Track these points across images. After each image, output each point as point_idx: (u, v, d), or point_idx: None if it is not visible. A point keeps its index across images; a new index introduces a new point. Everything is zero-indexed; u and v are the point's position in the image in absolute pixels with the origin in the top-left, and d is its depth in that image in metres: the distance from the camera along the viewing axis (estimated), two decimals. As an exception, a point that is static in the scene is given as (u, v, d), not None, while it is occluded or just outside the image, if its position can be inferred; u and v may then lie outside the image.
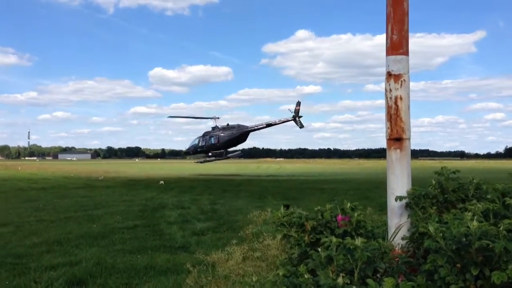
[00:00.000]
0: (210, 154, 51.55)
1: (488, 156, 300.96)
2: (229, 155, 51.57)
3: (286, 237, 4.16)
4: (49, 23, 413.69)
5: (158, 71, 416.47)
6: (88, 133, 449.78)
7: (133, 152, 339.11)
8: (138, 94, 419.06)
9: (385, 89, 4.90)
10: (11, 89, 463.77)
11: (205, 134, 51.89)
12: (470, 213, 3.38)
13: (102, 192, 28.17)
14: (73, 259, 9.65)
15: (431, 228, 3.27)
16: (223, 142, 49.71)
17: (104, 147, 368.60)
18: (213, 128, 51.38)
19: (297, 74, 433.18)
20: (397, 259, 3.72)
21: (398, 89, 4.80)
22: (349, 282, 3.13)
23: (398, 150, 4.78)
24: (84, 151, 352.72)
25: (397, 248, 4.25)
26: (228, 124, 51.25)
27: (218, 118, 51.42)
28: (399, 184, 4.75)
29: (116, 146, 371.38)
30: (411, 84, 4.97)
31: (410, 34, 4.96)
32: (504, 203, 4.02)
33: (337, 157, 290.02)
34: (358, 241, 3.20)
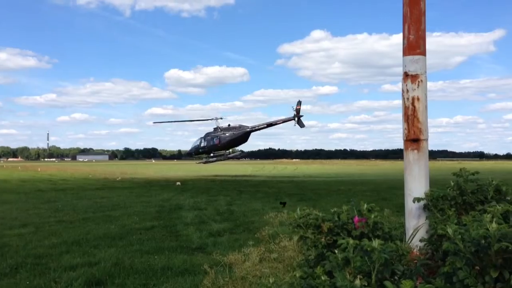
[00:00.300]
0: (212, 154, 51.59)
1: (508, 156, 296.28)
2: (230, 155, 51.57)
3: (302, 239, 4.15)
4: (67, 26, 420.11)
5: (174, 72, 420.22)
6: (105, 135, 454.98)
7: (150, 153, 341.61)
8: (154, 95, 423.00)
9: (402, 90, 4.87)
10: (31, 91, 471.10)
11: (207, 135, 51.99)
12: (489, 215, 3.33)
13: (120, 193, 28.43)
14: (92, 259, 9.76)
15: (449, 230, 3.24)
16: (224, 142, 49.78)
17: (121, 148, 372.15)
18: (215, 129, 51.46)
19: (312, 74, 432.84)
20: (415, 261, 3.69)
21: (415, 89, 4.76)
22: (366, 284, 3.11)
23: (416, 151, 4.74)
24: (101, 152, 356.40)
25: (415, 250, 4.22)
26: (229, 125, 51.27)
27: (221, 118, 51.55)
28: (416, 186, 4.72)
29: (133, 147, 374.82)
30: (429, 84, 4.93)
31: (427, 34, 4.92)
32: (525, 204, 3.95)
33: (354, 158, 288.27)
34: (376, 243, 3.18)
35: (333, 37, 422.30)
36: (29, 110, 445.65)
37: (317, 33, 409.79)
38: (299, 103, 49.34)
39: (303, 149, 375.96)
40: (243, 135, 50.22)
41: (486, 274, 3.04)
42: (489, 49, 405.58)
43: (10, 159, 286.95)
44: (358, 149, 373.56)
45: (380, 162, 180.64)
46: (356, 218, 4.04)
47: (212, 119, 51.32)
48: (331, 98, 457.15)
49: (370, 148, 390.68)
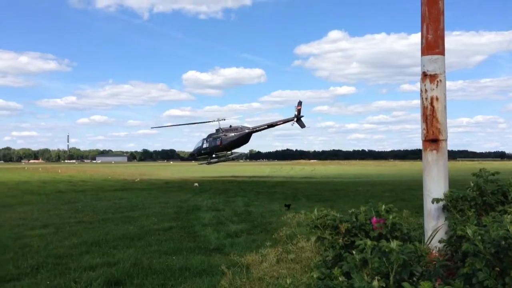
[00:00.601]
0: (214, 155, 51.91)
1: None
2: (231, 156, 51.82)
3: (320, 240, 4.14)
4: (87, 29, 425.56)
5: (192, 74, 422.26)
6: (124, 136, 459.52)
7: (168, 155, 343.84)
8: (172, 97, 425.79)
9: (421, 90, 4.82)
10: (51, 94, 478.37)
11: (209, 136, 52.48)
12: (509, 216, 3.28)
13: (138, 194, 28.69)
14: (111, 259, 9.86)
15: (469, 231, 3.20)
16: (226, 143, 50.13)
17: (139, 149, 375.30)
18: (217, 130, 51.80)
19: (330, 75, 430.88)
20: (434, 262, 3.65)
21: (434, 89, 4.72)
22: (384, 285, 3.09)
23: (435, 152, 4.69)
24: (120, 153, 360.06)
25: (434, 251, 4.18)
26: (230, 126, 51.58)
27: (224, 120, 51.69)
28: (435, 186, 4.67)
29: (151, 148, 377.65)
30: (448, 83, 4.88)
31: (446, 32, 4.87)
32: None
33: (372, 158, 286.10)
34: (394, 244, 3.16)
35: (350, 37, 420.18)
36: (49, 112, 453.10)
37: (334, 34, 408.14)
38: (300, 103, 49.61)
39: (320, 150, 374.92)
40: (245, 136, 50.62)
41: (506, 276, 3.00)
42: (510, 47, 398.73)
43: (31, 161, 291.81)
44: (376, 150, 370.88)
45: (398, 162, 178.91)
46: (374, 219, 4.01)
47: (214, 120, 51.82)
48: (349, 98, 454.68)
49: (388, 149, 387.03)
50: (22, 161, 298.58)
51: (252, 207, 19.67)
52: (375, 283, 3.04)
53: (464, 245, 3.20)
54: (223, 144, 50.06)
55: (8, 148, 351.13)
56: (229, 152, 51.88)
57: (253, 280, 5.82)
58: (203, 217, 16.71)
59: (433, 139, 4.70)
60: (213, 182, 42.76)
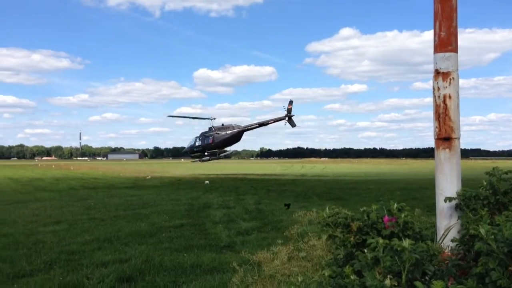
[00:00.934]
0: (206, 153, 52.58)
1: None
2: (222, 154, 52.50)
3: (331, 238, 4.13)
4: (99, 27, 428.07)
5: (203, 72, 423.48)
6: (136, 134, 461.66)
7: (179, 152, 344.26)
8: (183, 95, 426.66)
9: (433, 88, 4.79)
10: (64, 92, 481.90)
11: (202, 134, 53.48)
12: (523, 215, 3.25)
13: (150, 191, 28.86)
14: (123, 256, 9.94)
15: (482, 230, 3.18)
16: (218, 142, 51.10)
17: (151, 147, 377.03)
18: (210, 129, 52.79)
19: (341, 73, 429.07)
20: (447, 261, 3.63)
21: (446, 87, 4.68)
22: (396, 284, 3.08)
23: (447, 150, 4.66)
24: (132, 151, 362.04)
25: (446, 251, 4.15)
26: (223, 124, 52.60)
27: (215, 119, 53.13)
28: (448, 185, 4.63)
29: (162, 146, 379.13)
30: (461, 81, 4.83)
31: (459, 30, 4.83)
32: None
33: (383, 156, 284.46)
34: (406, 243, 3.15)
35: (362, 34, 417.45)
36: (62, 110, 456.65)
37: (346, 31, 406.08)
38: (291, 102, 50.39)
39: (331, 148, 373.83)
40: (236, 135, 51.51)
41: (520, 275, 2.97)
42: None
43: (44, 158, 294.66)
44: (388, 148, 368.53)
45: (410, 161, 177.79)
46: (386, 218, 3.99)
47: (207, 118, 52.99)
48: (360, 96, 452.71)
49: (400, 147, 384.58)
50: (35, 158, 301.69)
51: (262, 205, 19.69)
52: (387, 281, 3.03)
53: (477, 244, 3.17)
54: (215, 142, 51.09)
55: (21, 145, 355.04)
56: (221, 150, 52.62)
57: (265, 277, 5.83)
58: (214, 214, 16.76)
59: (445, 137, 4.66)
60: (223, 180, 42.85)
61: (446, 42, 4.73)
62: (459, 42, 4.81)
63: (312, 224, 7.81)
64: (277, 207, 18.65)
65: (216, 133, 51.06)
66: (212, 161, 55.94)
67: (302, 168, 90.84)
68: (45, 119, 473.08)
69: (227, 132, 51.27)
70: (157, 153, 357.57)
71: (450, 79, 4.68)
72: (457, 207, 4.54)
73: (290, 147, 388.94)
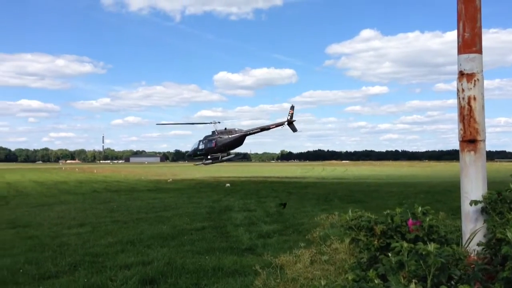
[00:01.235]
0: (209, 157, 53.66)
1: None
2: (224, 158, 53.48)
3: (354, 241, 4.10)
4: (121, 32, 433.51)
5: (223, 75, 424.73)
6: (157, 137, 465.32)
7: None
8: (204, 98, 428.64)
9: (457, 89, 4.72)
10: (87, 96, 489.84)
11: (205, 137, 54.34)
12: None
13: (171, 194, 29.09)
14: (146, 258, 10.04)
15: (509, 234, 3.13)
16: (220, 145, 51.85)
17: (172, 150, 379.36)
18: (213, 132, 53.78)
19: (362, 74, 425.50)
20: (473, 266, 3.57)
21: (471, 89, 4.61)
22: (421, 288, 3.04)
23: (472, 152, 4.59)
24: (153, 154, 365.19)
25: (472, 255, 4.08)
26: (225, 129, 53.41)
27: (219, 122, 53.80)
28: (473, 188, 4.56)
29: (183, 149, 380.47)
30: (486, 82, 4.76)
31: (483, 30, 4.75)
32: None
33: (406, 159, 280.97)
34: (431, 247, 3.11)
35: (383, 36, 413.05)
36: (85, 114, 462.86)
37: (366, 33, 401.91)
38: (292, 107, 51.04)
39: (352, 151, 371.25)
40: (238, 139, 52.30)
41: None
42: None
43: (68, 161, 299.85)
44: (410, 150, 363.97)
45: (433, 163, 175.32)
46: (410, 221, 3.95)
47: (210, 123, 53.80)
48: (382, 98, 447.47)
49: (423, 149, 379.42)
50: (60, 161, 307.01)
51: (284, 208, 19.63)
52: (412, 286, 2.99)
53: (504, 248, 3.12)
54: (217, 146, 51.89)
55: (46, 149, 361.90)
56: (223, 154, 53.45)
57: (287, 281, 5.83)
58: (235, 217, 16.80)
59: (470, 139, 4.59)
60: (244, 182, 42.92)
61: (470, 43, 4.67)
62: (483, 43, 4.74)
63: (334, 227, 7.76)
64: (298, 210, 18.60)
65: (219, 137, 52.00)
66: (225, 163, 56.38)
67: (323, 170, 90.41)
68: (69, 123, 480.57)
69: (230, 136, 52.21)
70: (178, 156, 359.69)
71: (474, 80, 4.61)
72: (483, 210, 4.47)
73: (310, 149, 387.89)
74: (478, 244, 4.18)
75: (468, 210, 4.54)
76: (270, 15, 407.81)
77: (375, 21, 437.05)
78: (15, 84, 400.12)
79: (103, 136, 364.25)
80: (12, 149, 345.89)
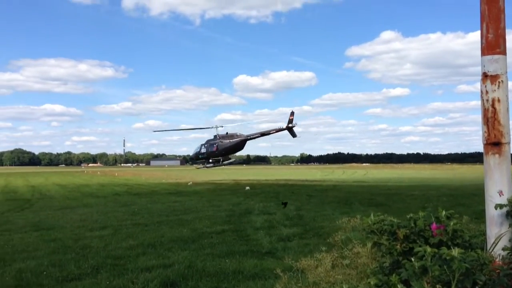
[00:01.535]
0: (210, 160, 54.56)
1: None
2: (225, 162, 54.15)
3: (376, 245, 4.06)
4: (141, 37, 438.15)
5: (242, 78, 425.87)
6: (177, 140, 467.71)
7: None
8: (223, 101, 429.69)
9: (481, 91, 4.65)
10: (109, 100, 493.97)
11: (207, 141, 55.28)
12: None
13: (191, 197, 29.24)
14: (166, 261, 10.11)
15: (536, 239, 3.06)
16: (221, 149, 52.65)
17: (192, 153, 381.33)
18: (214, 137, 54.64)
19: (382, 76, 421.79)
20: (498, 271, 3.50)
21: (495, 90, 4.53)
22: (445, 294, 3.00)
23: (497, 155, 4.51)
24: (173, 157, 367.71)
25: (497, 260, 4.01)
26: (227, 133, 54.26)
27: (222, 127, 54.75)
28: (498, 191, 4.48)
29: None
30: (510, 83, 4.69)
31: (507, 31, 4.68)
32: None
33: (428, 162, 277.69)
34: (455, 252, 3.06)
35: (404, 37, 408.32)
36: (107, 118, 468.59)
37: (387, 34, 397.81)
38: (292, 113, 52.30)
39: (373, 153, 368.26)
40: (239, 143, 52.92)
41: None
42: None
43: (90, 165, 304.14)
44: (432, 153, 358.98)
45: (456, 166, 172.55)
46: (434, 225, 3.89)
47: (212, 127, 54.66)
48: (403, 100, 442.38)
49: (445, 152, 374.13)
50: (82, 164, 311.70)
51: (303, 211, 19.58)
52: (436, 291, 2.95)
53: (531, 254, 3.05)
54: (219, 150, 52.71)
55: (69, 153, 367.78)
56: (224, 158, 54.49)
57: (308, 285, 5.79)
58: (255, 220, 16.80)
59: (495, 142, 4.52)
60: (264, 185, 42.91)
61: (494, 45, 4.59)
62: (507, 44, 4.67)
63: (355, 231, 7.70)
64: (318, 214, 18.51)
65: (220, 142, 52.72)
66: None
67: (343, 173, 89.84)
68: (91, 127, 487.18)
69: (231, 140, 52.95)
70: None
71: (498, 82, 4.54)
72: (508, 214, 4.38)
73: (330, 152, 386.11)
74: (503, 249, 4.11)
75: (492, 214, 4.47)
76: (289, 18, 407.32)
77: (395, 23, 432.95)
78: (39, 89, 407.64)
79: (124, 140, 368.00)
80: (36, 153, 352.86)
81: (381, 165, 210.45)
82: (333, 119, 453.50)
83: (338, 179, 59.51)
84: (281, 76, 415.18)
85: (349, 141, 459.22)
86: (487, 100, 4.58)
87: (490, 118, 4.54)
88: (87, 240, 13.07)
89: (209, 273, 9.06)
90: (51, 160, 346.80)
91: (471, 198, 22.94)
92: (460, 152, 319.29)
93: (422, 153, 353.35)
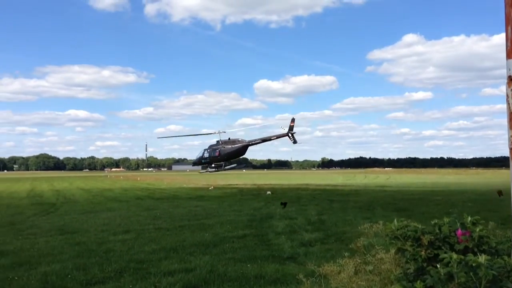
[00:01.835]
0: (213, 165, 55.67)
1: None
2: (227, 167, 55.31)
3: (400, 251, 4.00)
4: (163, 43, 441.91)
5: (263, 83, 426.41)
6: (198, 145, 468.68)
7: (241, 163, 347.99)
8: (244, 106, 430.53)
9: (506, 95, 4.55)
10: (131, 106, 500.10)
11: (210, 147, 56.33)
12: None
13: (213, 202, 29.33)
14: (188, 266, 10.15)
15: None
16: (224, 154, 53.85)
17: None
18: (217, 142, 55.78)
19: (405, 80, 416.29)
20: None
21: (522, 94, 4.43)
22: (472, 301, 2.94)
23: (524, 160, 4.40)
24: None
25: (526, 267, 3.91)
26: (229, 138, 55.27)
27: (225, 132, 55.59)
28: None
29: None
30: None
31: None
32: None
33: (452, 166, 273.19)
34: (482, 258, 3.00)
35: (426, 40, 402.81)
36: (129, 123, 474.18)
37: (409, 37, 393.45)
38: (293, 120, 53.50)
39: (395, 158, 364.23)
40: (241, 149, 54.04)
41: None
42: None
43: (113, 169, 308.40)
44: (457, 157, 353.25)
45: (481, 170, 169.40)
46: (460, 231, 3.82)
47: (215, 132, 55.52)
48: (425, 104, 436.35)
49: (470, 156, 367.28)
50: (105, 169, 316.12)
51: (325, 216, 19.46)
52: (462, 299, 2.89)
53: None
54: (221, 155, 53.93)
55: (92, 157, 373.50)
56: (226, 163, 55.48)
57: (330, 290, 5.76)
58: (276, 225, 16.76)
59: (522, 146, 4.41)
60: (285, 190, 42.81)
61: (520, 47, 4.49)
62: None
63: (378, 236, 7.60)
64: (340, 218, 18.37)
65: (222, 147, 54.00)
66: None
67: (365, 178, 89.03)
68: (114, 132, 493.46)
69: (233, 146, 54.18)
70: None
71: (525, 85, 4.44)
72: (537, 220, 4.28)
73: (352, 156, 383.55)
74: (531, 256, 4.00)
75: (520, 220, 4.36)
76: (310, 22, 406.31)
77: (418, 26, 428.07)
78: (64, 95, 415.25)
79: (146, 145, 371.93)
80: (61, 157, 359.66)
81: (404, 169, 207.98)
82: (355, 123, 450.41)
83: (360, 184, 59.00)
84: (302, 80, 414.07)
85: (371, 145, 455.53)
86: (514, 104, 4.48)
87: (517, 122, 4.44)
88: (110, 244, 13.22)
89: (231, 277, 9.06)
90: (75, 164, 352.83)
91: (497, 203, 22.47)
92: (485, 157, 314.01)
93: (446, 158, 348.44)
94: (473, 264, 3.02)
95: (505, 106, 4.64)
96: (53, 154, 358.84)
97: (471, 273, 3.02)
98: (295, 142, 53.56)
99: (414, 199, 28.74)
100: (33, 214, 22.79)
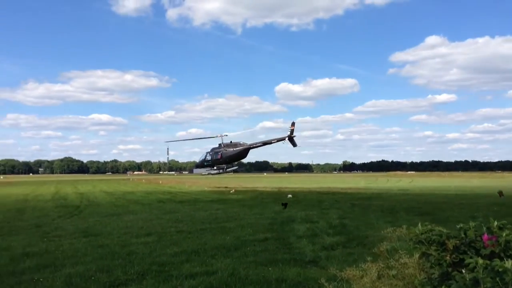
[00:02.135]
0: (215, 167, 56.83)
1: None
2: (228, 169, 56.78)
3: (424, 256, 3.94)
4: (185, 47, 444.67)
5: (284, 86, 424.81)
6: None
7: (262, 166, 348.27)
8: (265, 109, 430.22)
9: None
10: (153, 109, 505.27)
11: (212, 149, 57.57)
12: None
13: (234, 205, 29.38)
14: (210, 269, 10.18)
15: None
16: (226, 157, 55.25)
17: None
18: (219, 145, 56.83)
19: (428, 82, 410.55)
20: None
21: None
22: (499, 308, 2.87)
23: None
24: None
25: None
26: (231, 142, 56.46)
27: (226, 135, 56.89)
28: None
29: (245, 160, 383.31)
30: None
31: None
32: None
33: (477, 170, 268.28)
34: (508, 264, 2.93)
35: (450, 42, 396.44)
36: (151, 126, 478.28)
37: (432, 39, 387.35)
38: (293, 124, 54.01)
39: (418, 161, 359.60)
40: (242, 151, 55.43)
41: None
42: None
43: (135, 172, 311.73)
44: (482, 161, 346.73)
45: (507, 174, 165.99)
46: (486, 236, 3.74)
47: (217, 136, 56.84)
48: (449, 106, 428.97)
49: (495, 159, 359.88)
50: (127, 172, 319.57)
51: (347, 220, 19.30)
52: (489, 305, 2.83)
53: None
54: (223, 158, 55.37)
55: (115, 161, 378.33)
56: (228, 165, 56.88)
57: (353, 295, 5.71)
58: (298, 228, 16.69)
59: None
60: (307, 193, 42.62)
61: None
62: None
63: (402, 241, 7.50)
64: (362, 222, 18.20)
65: (224, 150, 55.35)
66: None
67: (388, 181, 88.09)
68: (136, 135, 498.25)
69: (235, 149, 55.49)
70: (240, 167, 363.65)
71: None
72: None
73: (374, 160, 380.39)
74: (561, 262, 3.89)
75: (549, 225, 4.25)
76: (331, 25, 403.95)
77: (441, 27, 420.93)
78: (87, 99, 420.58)
79: (167, 148, 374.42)
80: (84, 161, 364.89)
81: (427, 173, 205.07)
82: (377, 126, 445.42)
83: (382, 187, 58.37)
84: (323, 83, 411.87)
85: (393, 148, 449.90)
86: (542, 105, 4.38)
87: (545, 124, 4.34)
88: (133, 247, 13.35)
89: (252, 281, 9.06)
90: (99, 168, 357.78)
91: (524, 208, 21.97)
92: (511, 160, 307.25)
93: (470, 161, 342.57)
94: (500, 270, 2.95)
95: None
96: (77, 158, 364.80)
97: (497, 279, 2.95)
98: (295, 145, 54.33)
99: (438, 203, 28.30)
100: (57, 217, 23.18)
